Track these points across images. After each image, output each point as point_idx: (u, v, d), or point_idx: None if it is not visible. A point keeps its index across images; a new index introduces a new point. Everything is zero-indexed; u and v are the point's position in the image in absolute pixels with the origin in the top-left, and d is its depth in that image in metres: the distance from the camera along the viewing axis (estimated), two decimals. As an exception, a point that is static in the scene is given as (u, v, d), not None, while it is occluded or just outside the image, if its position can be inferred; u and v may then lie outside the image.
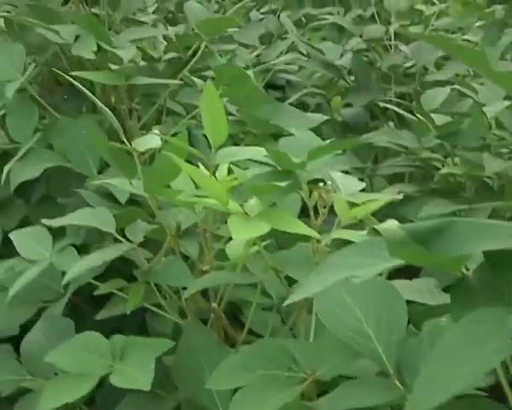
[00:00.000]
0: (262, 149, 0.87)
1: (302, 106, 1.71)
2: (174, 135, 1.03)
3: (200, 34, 1.18)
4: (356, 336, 0.65)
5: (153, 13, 1.52)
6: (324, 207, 0.81)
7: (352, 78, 1.61)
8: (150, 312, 0.94)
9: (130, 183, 0.88)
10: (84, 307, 1.12)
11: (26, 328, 1.04)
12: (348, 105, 1.71)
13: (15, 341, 1.07)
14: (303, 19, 2.11)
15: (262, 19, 1.96)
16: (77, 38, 1.11)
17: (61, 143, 1.08)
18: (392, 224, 0.84)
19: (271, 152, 0.85)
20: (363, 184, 0.95)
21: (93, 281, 0.95)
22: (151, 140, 0.91)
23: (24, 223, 1.21)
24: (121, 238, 0.89)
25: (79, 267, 0.86)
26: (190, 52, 1.22)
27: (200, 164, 0.87)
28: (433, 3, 1.85)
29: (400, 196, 0.94)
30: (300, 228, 0.76)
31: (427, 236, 0.46)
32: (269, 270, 0.82)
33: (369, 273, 0.49)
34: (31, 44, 1.18)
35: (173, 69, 1.22)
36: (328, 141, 1.00)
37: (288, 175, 0.87)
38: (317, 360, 0.69)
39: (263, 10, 2.34)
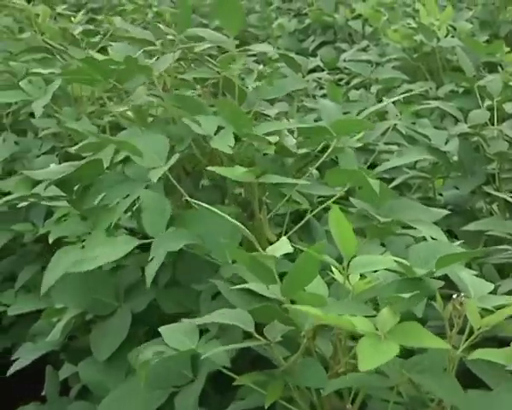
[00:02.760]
0: (392, 258, 0.92)
1: (405, 186, 1.76)
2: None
3: (332, 132, 1.23)
4: None
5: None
6: (459, 318, 0.85)
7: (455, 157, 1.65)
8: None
9: (267, 287, 0.94)
10: (207, 389, 1.18)
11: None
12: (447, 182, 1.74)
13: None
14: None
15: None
16: (218, 129, 1.15)
17: (197, 232, 1.12)
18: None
19: (400, 264, 0.91)
20: (492, 286, 0.98)
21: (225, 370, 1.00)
22: (283, 247, 0.97)
23: (152, 306, 1.28)
24: (258, 336, 0.94)
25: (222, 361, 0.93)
26: (320, 147, 1.27)
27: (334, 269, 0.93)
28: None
29: None
30: (434, 342, 0.80)
31: None
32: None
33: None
34: (170, 134, 1.22)
35: (302, 163, 1.28)
36: (455, 244, 1.05)
37: (418, 283, 0.92)
38: None
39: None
